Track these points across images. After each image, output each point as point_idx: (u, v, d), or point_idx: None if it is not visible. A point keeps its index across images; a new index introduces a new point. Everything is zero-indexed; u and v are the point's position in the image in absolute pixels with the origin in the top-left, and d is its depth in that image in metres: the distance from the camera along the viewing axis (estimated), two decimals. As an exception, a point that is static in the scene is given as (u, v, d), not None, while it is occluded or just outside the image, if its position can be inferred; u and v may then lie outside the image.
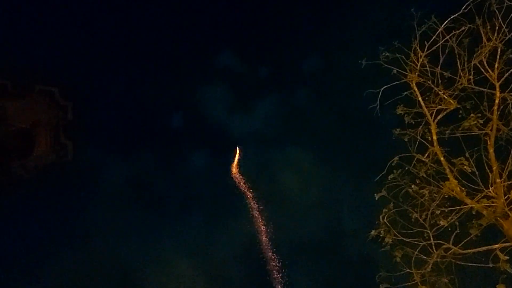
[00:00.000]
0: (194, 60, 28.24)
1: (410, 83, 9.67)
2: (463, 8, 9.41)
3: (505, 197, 8.31)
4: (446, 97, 9.54)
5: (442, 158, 8.91)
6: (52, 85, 25.93)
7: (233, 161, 27.98)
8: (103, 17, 26.78)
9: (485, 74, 9.60)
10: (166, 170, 27.18)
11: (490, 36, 9.55)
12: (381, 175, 9.55)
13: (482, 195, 8.47)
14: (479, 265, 8.17)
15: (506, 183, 8.42)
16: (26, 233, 23.98)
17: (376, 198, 8.76)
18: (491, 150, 8.60)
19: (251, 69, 29.10)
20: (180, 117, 28.85)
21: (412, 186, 8.68)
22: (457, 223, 8.48)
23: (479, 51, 9.65)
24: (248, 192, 27.14)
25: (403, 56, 9.80)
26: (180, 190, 26.80)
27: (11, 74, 24.41)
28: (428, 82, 9.76)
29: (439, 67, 9.89)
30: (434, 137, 9.21)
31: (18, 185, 24.34)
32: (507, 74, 9.28)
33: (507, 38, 9.32)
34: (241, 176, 27.52)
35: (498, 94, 9.30)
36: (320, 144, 27.41)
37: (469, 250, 8.26)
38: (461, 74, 9.67)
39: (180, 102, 28.52)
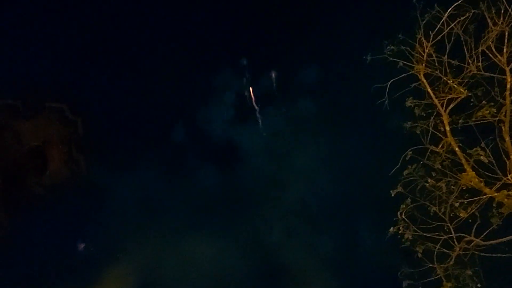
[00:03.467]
0: (197, 75, 28.30)
1: (418, 75, 9.52)
2: (466, -7, 9.24)
3: (525, 184, 8.14)
4: (456, 85, 9.37)
5: (457, 149, 8.76)
6: (61, 102, 26.31)
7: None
8: (109, 33, 27.06)
9: (494, 59, 9.40)
10: (173, 183, 27.30)
11: (496, 21, 9.35)
12: (395, 169, 9.46)
13: (501, 183, 8.31)
14: (503, 255, 8.03)
15: (524, 169, 8.25)
16: (47, 249, 24.43)
17: (393, 195, 8.68)
18: (507, 138, 8.41)
19: (254, 80, 28.92)
20: (185, 131, 28.99)
21: (429, 180, 8.56)
22: (478, 214, 8.34)
23: (486, 37, 9.45)
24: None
25: (408, 48, 9.67)
26: (188, 203, 26.85)
27: (21, 94, 24.85)
28: (436, 72, 9.60)
29: (446, 56, 9.72)
30: (447, 128, 9.06)
31: (36, 202, 24.82)
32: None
33: (514, 21, 9.11)
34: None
35: (509, 78, 9.10)
36: (329, 152, 27.04)
37: (492, 241, 8.11)
38: (469, 61, 9.49)
39: (186, 117, 28.67)
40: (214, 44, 28.69)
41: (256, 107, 27.84)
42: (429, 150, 9.37)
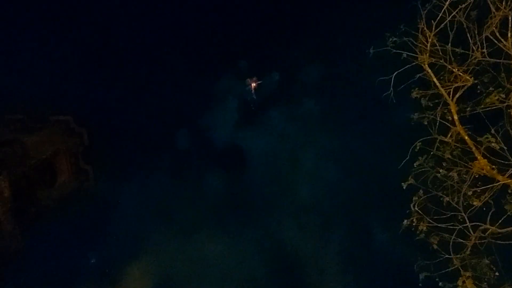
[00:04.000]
0: (200, 81, 28.28)
1: (422, 65, 9.44)
2: (467, -21, 9.15)
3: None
4: (461, 73, 9.27)
5: (466, 137, 8.67)
6: (65, 114, 26.52)
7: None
8: (111, 44, 27.25)
9: (499, 45, 9.29)
10: (181, 188, 27.23)
11: (499, 5, 9.25)
12: (404, 161, 9.39)
13: (514, 169, 8.21)
14: (520, 242, 7.92)
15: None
16: (59, 259, 24.58)
17: (404, 187, 8.61)
18: (517, 123, 8.31)
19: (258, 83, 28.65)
20: (189, 137, 28.90)
21: (440, 170, 8.48)
22: (492, 202, 8.24)
23: (489, 22, 9.35)
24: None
25: (411, 39, 9.59)
26: (197, 207, 26.71)
27: (26, 109, 25.10)
28: (441, 61, 9.50)
29: (449, 44, 9.62)
30: (455, 117, 8.97)
31: (47, 215, 24.95)
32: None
33: (516, 4, 8.99)
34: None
35: (515, 63, 8.98)
36: (337, 149, 26.74)
37: (508, 228, 8.01)
38: (474, 48, 9.39)
39: (190, 123, 28.62)
40: (215, 48, 28.71)
41: (255, 97, 27.57)
42: (438, 141, 9.28)
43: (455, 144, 9.09)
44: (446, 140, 9.14)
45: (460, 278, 8.15)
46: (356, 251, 24.33)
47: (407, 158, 9.35)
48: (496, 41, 9.24)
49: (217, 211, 26.93)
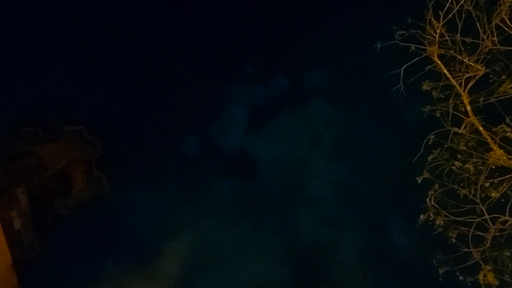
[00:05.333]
0: (208, 88, 28.37)
1: (432, 57, 9.30)
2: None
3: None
4: (472, 63, 9.11)
5: (481, 128, 8.50)
6: (78, 124, 26.97)
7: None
8: (120, 52, 27.62)
9: (509, 32, 9.10)
10: (194, 197, 27.28)
11: (508, -9, 9.06)
12: (418, 155, 9.27)
13: (531, 158, 8.01)
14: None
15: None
16: (77, 267, 24.95)
17: (419, 182, 8.49)
18: (533, 111, 8.12)
19: (264, 87, 28.52)
20: (200, 143, 28.96)
21: (456, 163, 8.33)
22: (510, 192, 8.06)
23: (499, 10, 9.16)
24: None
25: (419, 31, 9.46)
26: (211, 213, 26.67)
27: (40, 121, 25.62)
28: (450, 51, 9.35)
29: (458, 34, 9.47)
30: (468, 107, 8.81)
31: (64, 223, 25.37)
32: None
33: (526, -10, 8.80)
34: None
35: (527, 50, 8.79)
36: (348, 150, 26.41)
37: (529, 219, 7.82)
38: (484, 37, 9.21)
39: (200, 129, 28.69)
40: (220, 55, 28.75)
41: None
42: (451, 133, 9.14)
43: (470, 135, 8.93)
44: (460, 131, 8.98)
45: (481, 271, 7.99)
46: (373, 250, 24.05)
47: (420, 152, 9.23)
48: (506, 28, 9.06)
49: (230, 217, 26.97)
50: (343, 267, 23.95)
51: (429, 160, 8.58)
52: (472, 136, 8.93)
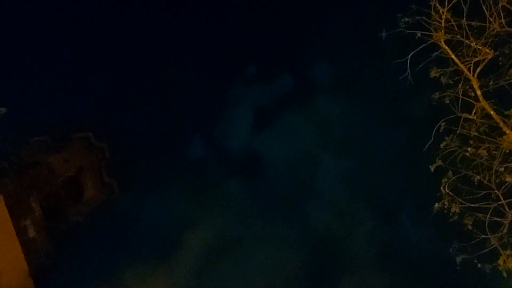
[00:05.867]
0: (211, 91, 28.34)
1: (438, 43, 9.15)
2: None
3: None
4: (480, 47, 8.95)
5: (492, 112, 8.36)
6: (85, 131, 27.18)
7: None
8: (125, 57, 27.79)
9: (517, 13, 8.93)
10: (205, 195, 27.26)
11: (514, -28, 8.88)
12: (429, 143, 9.15)
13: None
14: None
15: None
16: (93, 272, 25.19)
17: (432, 170, 8.38)
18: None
19: (269, 86, 28.30)
20: (207, 145, 28.90)
21: (468, 149, 8.21)
22: (526, 176, 7.91)
23: (505, -9, 8.99)
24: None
25: (424, 17, 9.32)
26: (220, 216, 26.59)
27: (48, 130, 25.89)
28: (457, 36, 9.19)
29: (464, 18, 9.31)
30: (478, 92, 8.66)
31: (77, 230, 25.59)
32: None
33: (533, -31, 8.61)
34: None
35: (536, 30, 8.61)
36: (357, 144, 26.13)
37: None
38: (491, 19, 9.05)
39: (206, 131, 28.66)
40: (224, 56, 28.64)
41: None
42: (462, 119, 9.00)
43: (481, 120, 8.79)
44: (470, 117, 8.84)
45: (501, 257, 7.87)
46: (387, 242, 23.87)
47: (431, 140, 9.11)
48: (513, 10, 8.89)
49: (241, 214, 26.93)
50: (356, 259, 23.84)
51: (442, 147, 8.46)
52: (483, 121, 8.79)
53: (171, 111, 29.09)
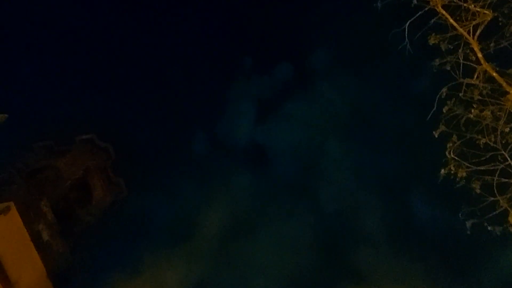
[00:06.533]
0: (211, 86, 28.21)
1: (436, 8, 9.00)
2: None
3: None
4: (479, 9, 8.79)
5: (494, 74, 8.25)
6: (88, 132, 27.29)
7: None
8: (123, 57, 27.74)
9: (515, -29, 8.75)
10: (213, 191, 27.25)
11: None
12: (432, 111, 9.08)
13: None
14: None
15: None
16: (108, 273, 25.49)
17: (436, 136, 8.32)
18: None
19: (269, 77, 28.02)
20: (212, 141, 28.79)
21: (472, 111, 8.13)
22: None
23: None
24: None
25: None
26: (229, 211, 26.57)
27: (51, 134, 26.03)
28: (455, 0, 9.03)
29: (461, -20, 9.13)
30: (479, 55, 8.54)
31: (90, 231, 25.85)
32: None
33: None
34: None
35: (535, -13, 8.44)
36: (362, 125, 25.90)
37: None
38: (488, -20, 8.87)
39: (209, 126, 28.55)
40: (221, 51, 28.38)
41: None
42: (464, 85, 8.89)
43: (483, 84, 8.69)
44: (473, 82, 8.74)
45: (510, 213, 7.84)
46: (399, 222, 23.87)
47: (434, 109, 9.04)
48: (511, -32, 8.71)
49: (250, 205, 26.98)
50: (368, 240, 23.90)
51: (444, 112, 8.39)
52: (486, 85, 8.68)
53: (172, 109, 29.08)
